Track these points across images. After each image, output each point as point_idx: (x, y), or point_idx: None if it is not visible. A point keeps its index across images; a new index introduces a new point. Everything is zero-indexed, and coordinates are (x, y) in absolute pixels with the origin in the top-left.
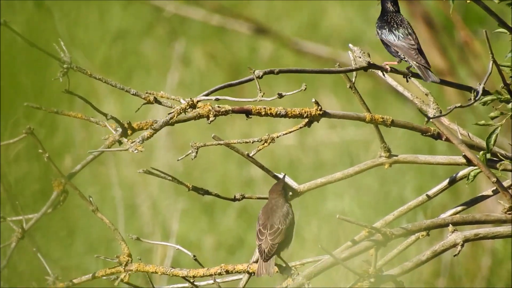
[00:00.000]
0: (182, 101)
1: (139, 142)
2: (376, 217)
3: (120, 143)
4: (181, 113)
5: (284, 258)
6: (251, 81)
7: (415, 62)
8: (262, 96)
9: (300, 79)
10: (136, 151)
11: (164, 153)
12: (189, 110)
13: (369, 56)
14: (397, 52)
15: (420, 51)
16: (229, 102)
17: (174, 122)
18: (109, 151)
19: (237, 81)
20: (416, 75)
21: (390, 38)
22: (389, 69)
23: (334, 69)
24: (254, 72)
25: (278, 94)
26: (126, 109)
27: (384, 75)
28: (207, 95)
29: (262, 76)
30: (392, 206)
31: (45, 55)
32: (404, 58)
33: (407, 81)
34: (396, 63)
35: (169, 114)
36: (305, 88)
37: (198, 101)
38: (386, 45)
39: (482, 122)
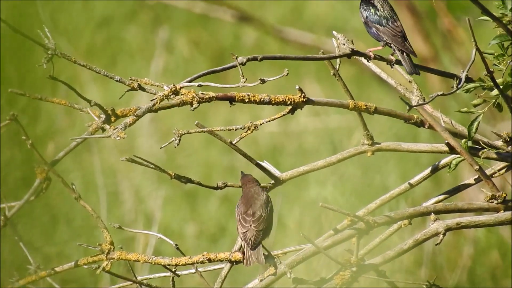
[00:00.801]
0: (165, 87)
1: (121, 129)
2: (359, 205)
3: (104, 129)
4: (163, 99)
5: (265, 246)
6: (235, 68)
7: (401, 49)
8: (244, 82)
9: (284, 67)
10: (119, 138)
11: (147, 140)
12: (172, 96)
13: (352, 43)
14: (383, 37)
15: (405, 38)
16: (212, 88)
17: (157, 109)
18: (91, 137)
19: (220, 67)
20: (399, 62)
21: (375, 21)
22: (372, 56)
23: (317, 56)
24: (237, 59)
25: (260, 79)
26: (109, 96)
27: (368, 61)
28: (190, 81)
29: (245, 62)
30: (375, 194)
31: (28, 42)
32: (390, 43)
33: (392, 67)
34: (380, 48)
35: (152, 100)
36: (287, 74)
37: (181, 88)
38: (370, 28)
39: (465, 109)
